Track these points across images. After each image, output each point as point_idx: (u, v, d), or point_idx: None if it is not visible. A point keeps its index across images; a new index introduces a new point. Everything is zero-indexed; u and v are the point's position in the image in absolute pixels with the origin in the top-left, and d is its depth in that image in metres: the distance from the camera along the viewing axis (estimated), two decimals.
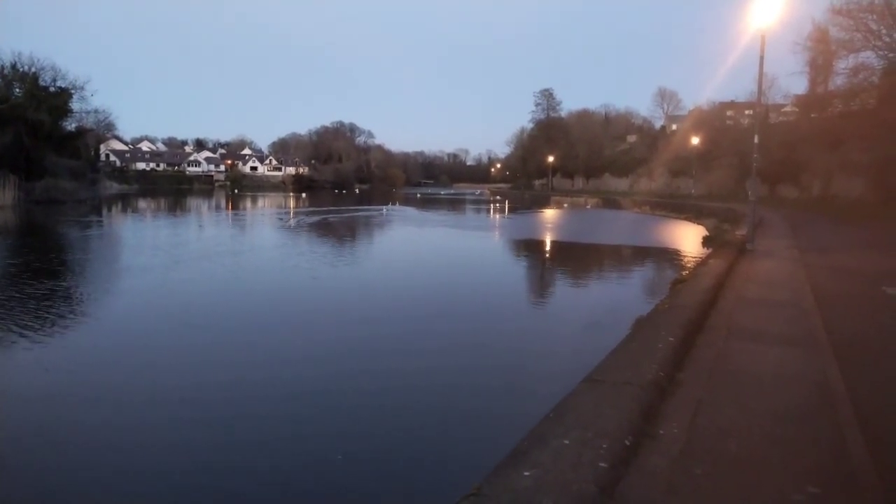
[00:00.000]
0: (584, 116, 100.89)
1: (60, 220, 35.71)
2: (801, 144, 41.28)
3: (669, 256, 23.01)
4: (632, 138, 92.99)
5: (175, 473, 5.97)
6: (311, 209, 55.99)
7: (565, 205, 66.31)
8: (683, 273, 14.61)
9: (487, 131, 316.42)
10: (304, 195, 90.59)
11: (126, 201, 63.27)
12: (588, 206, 63.82)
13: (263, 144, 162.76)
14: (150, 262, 19.38)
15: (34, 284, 15.11)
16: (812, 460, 3.54)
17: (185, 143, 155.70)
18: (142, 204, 60.12)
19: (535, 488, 2.77)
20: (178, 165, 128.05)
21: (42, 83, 58.64)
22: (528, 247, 27.82)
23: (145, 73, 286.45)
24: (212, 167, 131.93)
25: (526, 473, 2.91)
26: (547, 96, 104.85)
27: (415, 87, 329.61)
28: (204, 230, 34.80)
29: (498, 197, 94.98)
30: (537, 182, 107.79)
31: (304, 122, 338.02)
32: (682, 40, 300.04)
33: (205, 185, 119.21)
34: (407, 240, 30.50)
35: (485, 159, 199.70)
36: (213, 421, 7.18)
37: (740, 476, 3.31)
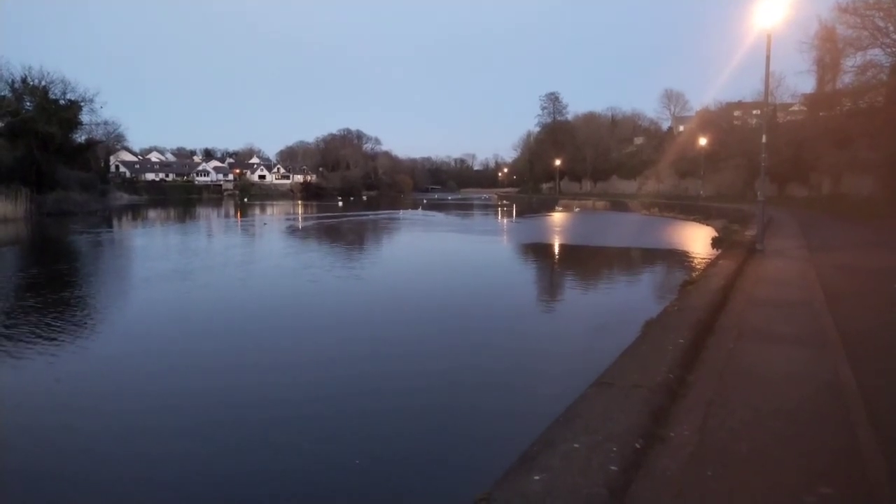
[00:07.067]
0: (590, 119, 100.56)
1: (73, 232, 36.05)
2: (809, 143, 40.98)
3: (679, 258, 22.89)
4: (639, 140, 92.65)
5: (186, 476, 6.01)
6: (328, 215, 56.33)
7: (574, 208, 66.04)
8: (693, 274, 14.55)
9: (494, 136, 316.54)
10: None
11: (137, 212, 63.71)
12: (596, 209, 63.64)
13: (271, 153, 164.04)
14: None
15: (60, 292, 15.31)
16: (824, 461, 3.53)
17: (193, 152, 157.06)
18: (153, 214, 60.53)
19: (546, 493, 2.78)
20: (188, 175, 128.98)
21: (52, 96, 59.29)
22: (538, 250, 27.78)
23: (154, 84, 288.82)
24: (220, 176, 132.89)
25: (536, 478, 2.92)
26: (553, 100, 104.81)
27: (421, 93, 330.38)
28: (217, 238, 34.99)
29: (505, 201, 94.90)
30: (545, 186, 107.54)
31: (312, 129, 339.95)
32: (688, 41, 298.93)
33: (214, 195, 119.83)
34: (425, 247, 30.25)
35: (492, 164, 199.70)
36: (229, 424, 7.23)
37: (752, 478, 3.30)
